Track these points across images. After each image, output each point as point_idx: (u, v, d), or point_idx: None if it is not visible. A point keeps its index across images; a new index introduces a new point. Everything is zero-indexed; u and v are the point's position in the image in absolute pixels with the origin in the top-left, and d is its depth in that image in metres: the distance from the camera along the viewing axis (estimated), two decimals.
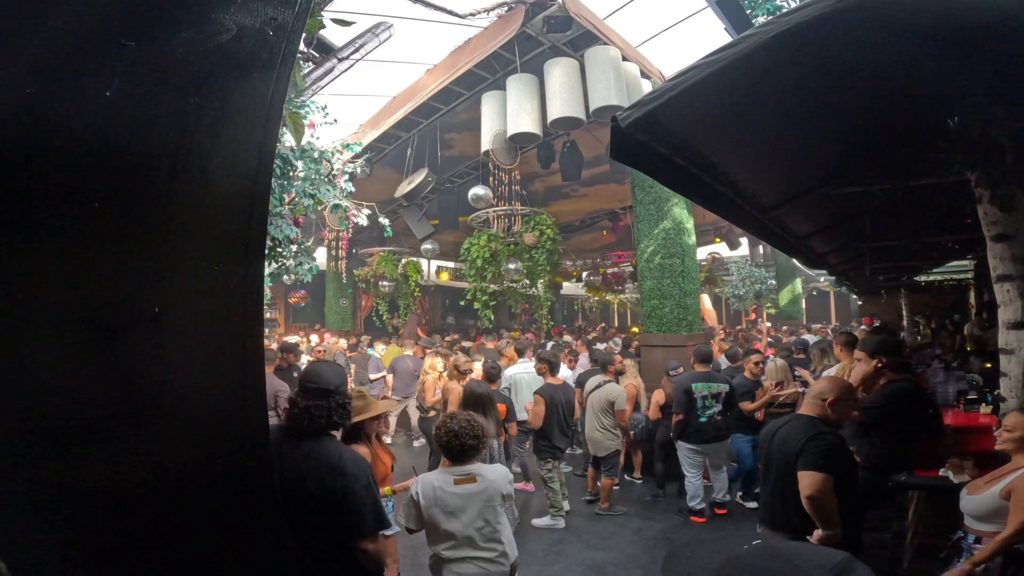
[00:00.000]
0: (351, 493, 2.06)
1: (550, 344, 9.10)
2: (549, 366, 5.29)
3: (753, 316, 16.11)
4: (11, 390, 0.77)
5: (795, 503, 2.50)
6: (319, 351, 8.15)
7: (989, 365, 5.18)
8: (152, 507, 0.90)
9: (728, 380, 5.16)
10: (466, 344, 9.83)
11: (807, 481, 2.39)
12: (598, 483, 5.46)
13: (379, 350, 9.38)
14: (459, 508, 2.49)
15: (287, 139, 4.04)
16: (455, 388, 5.10)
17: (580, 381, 6.12)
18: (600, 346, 9.08)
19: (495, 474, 2.62)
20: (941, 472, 2.98)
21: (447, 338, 11.40)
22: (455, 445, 2.56)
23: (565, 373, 6.45)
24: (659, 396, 5.61)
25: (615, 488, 5.48)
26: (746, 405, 5.10)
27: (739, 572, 0.78)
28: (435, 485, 2.50)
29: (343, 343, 10.74)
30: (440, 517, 2.47)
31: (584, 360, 7.74)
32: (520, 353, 6.44)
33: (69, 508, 0.82)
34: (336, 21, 2.96)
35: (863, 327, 10.84)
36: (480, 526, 2.52)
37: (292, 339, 9.79)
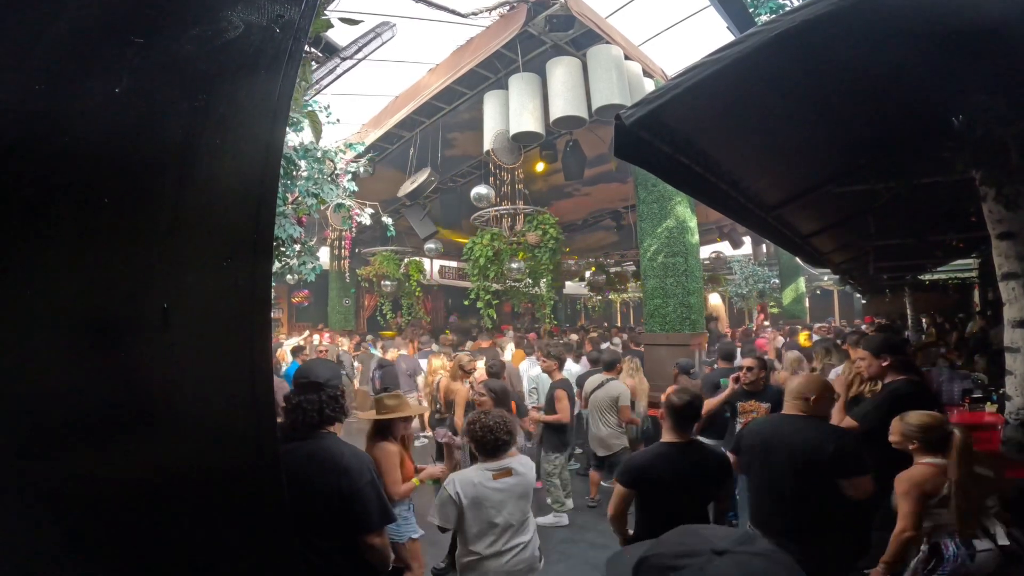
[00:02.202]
0: (356, 490, 2.07)
1: (605, 345, 8.87)
2: (558, 363, 5.41)
3: (761, 317, 16.05)
4: (18, 390, 0.77)
5: (804, 507, 2.49)
6: (321, 351, 8.17)
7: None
8: (158, 508, 0.90)
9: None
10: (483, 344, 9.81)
11: (868, 486, 2.44)
12: (603, 484, 5.43)
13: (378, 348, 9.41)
14: (500, 503, 2.50)
15: (290, 139, 4.04)
16: (460, 388, 5.10)
17: (579, 381, 6.10)
18: (603, 345, 9.07)
19: (526, 467, 2.66)
20: None
21: (450, 337, 11.40)
22: (490, 440, 2.57)
23: (572, 369, 6.48)
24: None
25: (605, 485, 5.47)
26: (711, 402, 4.49)
27: (660, 547, 0.86)
28: (475, 482, 2.49)
29: (345, 343, 10.74)
30: (482, 513, 2.47)
31: (585, 360, 7.74)
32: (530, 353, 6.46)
33: (75, 509, 0.82)
34: (344, 20, 2.96)
35: (864, 326, 10.81)
36: (518, 518, 2.56)
37: (292, 340, 9.80)
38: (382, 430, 3.00)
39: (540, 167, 8.82)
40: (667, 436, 2.69)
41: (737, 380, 4.37)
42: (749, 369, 4.33)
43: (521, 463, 2.65)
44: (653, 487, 2.57)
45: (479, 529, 2.48)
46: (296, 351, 7.60)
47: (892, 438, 2.55)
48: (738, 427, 4.30)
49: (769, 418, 3.00)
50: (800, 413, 2.67)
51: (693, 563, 0.78)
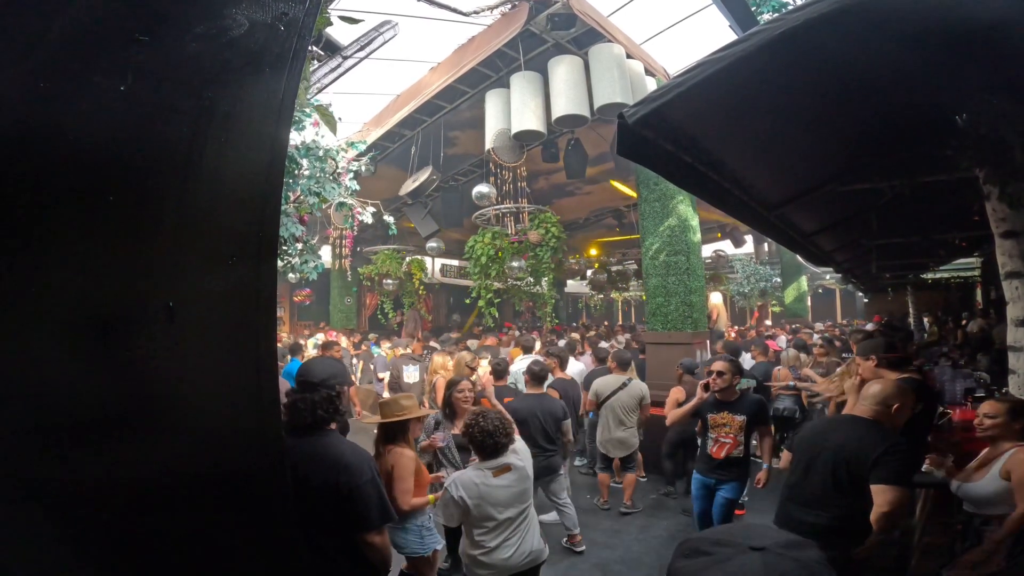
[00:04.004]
0: (356, 488, 2.07)
1: (604, 344, 8.85)
2: (559, 361, 5.40)
3: (756, 316, 16.05)
4: (23, 388, 0.77)
5: (832, 509, 2.45)
6: (336, 350, 8.16)
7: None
8: (164, 506, 0.90)
9: (756, 377, 5.15)
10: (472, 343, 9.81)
11: (888, 497, 2.26)
12: (614, 483, 5.44)
13: (385, 348, 9.40)
14: (504, 498, 2.56)
15: (292, 137, 4.04)
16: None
17: (586, 382, 6.08)
18: (603, 344, 9.07)
19: (523, 457, 2.71)
20: (924, 468, 2.99)
21: (454, 334, 11.39)
22: (489, 444, 2.59)
23: (576, 368, 6.47)
24: (679, 394, 5.07)
25: (616, 484, 5.49)
26: (676, 412, 4.04)
27: (710, 532, 0.87)
28: (476, 482, 2.53)
29: (344, 341, 10.72)
30: (488, 511, 2.52)
31: (587, 359, 7.74)
32: (527, 349, 6.45)
33: (80, 508, 0.82)
34: (343, 19, 2.95)
35: (870, 325, 10.81)
36: (521, 509, 2.62)
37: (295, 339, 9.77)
38: (395, 434, 2.92)
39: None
40: (529, 389, 4.42)
41: (707, 387, 3.71)
42: (719, 374, 3.66)
43: (517, 455, 2.68)
44: (521, 421, 3.92)
45: (482, 525, 2.53)
46: (295, 349, 7.57)
47: (987, 423, 2.53)
48: (709, 444, 3.76)
49: (834, 416, 2.87)
50: (871, 417, 2.52)
51: (723, 552, 0.79)
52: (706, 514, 3.94)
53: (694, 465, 4.09)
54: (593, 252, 14.95)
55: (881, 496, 2.27)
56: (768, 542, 0.79)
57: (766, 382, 5.84)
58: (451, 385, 3.76)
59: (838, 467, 2.45)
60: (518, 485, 2.61)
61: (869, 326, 10.36)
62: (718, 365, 3.73)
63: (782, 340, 9.41)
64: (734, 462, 3.70)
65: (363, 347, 10.74)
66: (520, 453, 2.71)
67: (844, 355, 6.05)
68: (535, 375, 4.43)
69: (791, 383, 5.75)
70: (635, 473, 5.36)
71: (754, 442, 4.03)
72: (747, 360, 7.25)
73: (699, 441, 4.13)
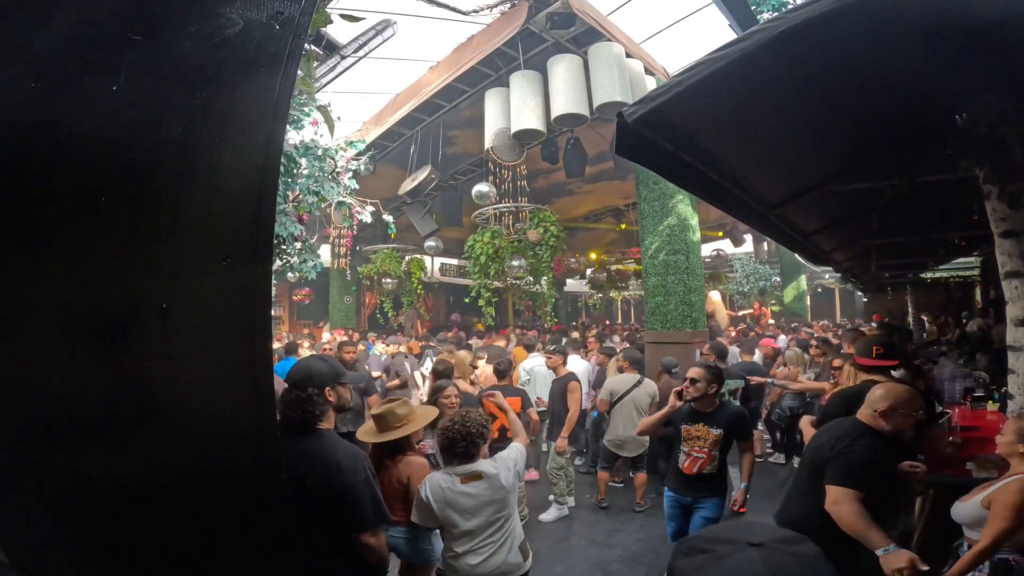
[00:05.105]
0: (350, 488, 2.06)
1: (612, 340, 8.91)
2: (563, 359, 5.53)
3: (760, 310, 16.04)
4: (20, 389, 0.77)
5: (810, 507, 2.42)
6: (326, 349, 8.16)
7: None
8: (161, 506, 0.90)
9: (743, 376, 5.14)
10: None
11: (831, 496, 2.26)
12: (614, 482, 5.42)
13: (380, 347, 9.38)
14: (470, 506, 2.50)
15: (291, 136, 4.04)
16: (467, 389, 5.07)
17: (598, 382, 6.04)
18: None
19: (498, 466, 2.60)
20: (968, 466, 2.96)
21: (449, 333, 11.39)
22: (458, 449, 2.55)
23: (582, 366, 6.49)
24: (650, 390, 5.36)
25: (616, 484, 5.48)
26: (646, 421, 3.70)
27: (709, 531, 0.89)
28: (443, 486, 2.49)
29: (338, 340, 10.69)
30: (453, 516, 2.47)
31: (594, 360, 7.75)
32: (529, 348, 6.46)
33: (77, 507, 0.82)
34: (344, 17, 2.94)
35: (873, 324, 10.81)
36: (492, 520, 2.54)
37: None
38: (398, 442, 2.80)
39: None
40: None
41: (680, 395, 3.33)
42: (693, 381, 3.31)
43: (493, 464, 2.59)
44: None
45: (448, 530, 2.51)
46: (291, 348, 7.54)
47: (998, 440, 2.45)
48: (680, 458, 3.40)
49: (841, 419, 2.85)
50: (863, 420, 2.46)
51: (722, 549, 0.80)
52: (681, 535, 3.42)
53: (666, 480, 3.66)
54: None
55: (827, 495, 2.29)
56: (765, 538, 0.81)
57: (749, 377, 5.84)
58: (437, 391, 3.68)
59: (811, 465, 2.50)
60: (489, 495, 2.51)
61: (873, 325, 10.37)
62: (693, 372, 3.38)
63: (782, 339, 9.41)
64: (707, 479, 3.33)
65: (360, 346, 10.73)
66: (499, 462, 2.60)
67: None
68: (499, 372, 4.82)
69: (769, 381, 5.78)
70: (645, 472, 5.34)
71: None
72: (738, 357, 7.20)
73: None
